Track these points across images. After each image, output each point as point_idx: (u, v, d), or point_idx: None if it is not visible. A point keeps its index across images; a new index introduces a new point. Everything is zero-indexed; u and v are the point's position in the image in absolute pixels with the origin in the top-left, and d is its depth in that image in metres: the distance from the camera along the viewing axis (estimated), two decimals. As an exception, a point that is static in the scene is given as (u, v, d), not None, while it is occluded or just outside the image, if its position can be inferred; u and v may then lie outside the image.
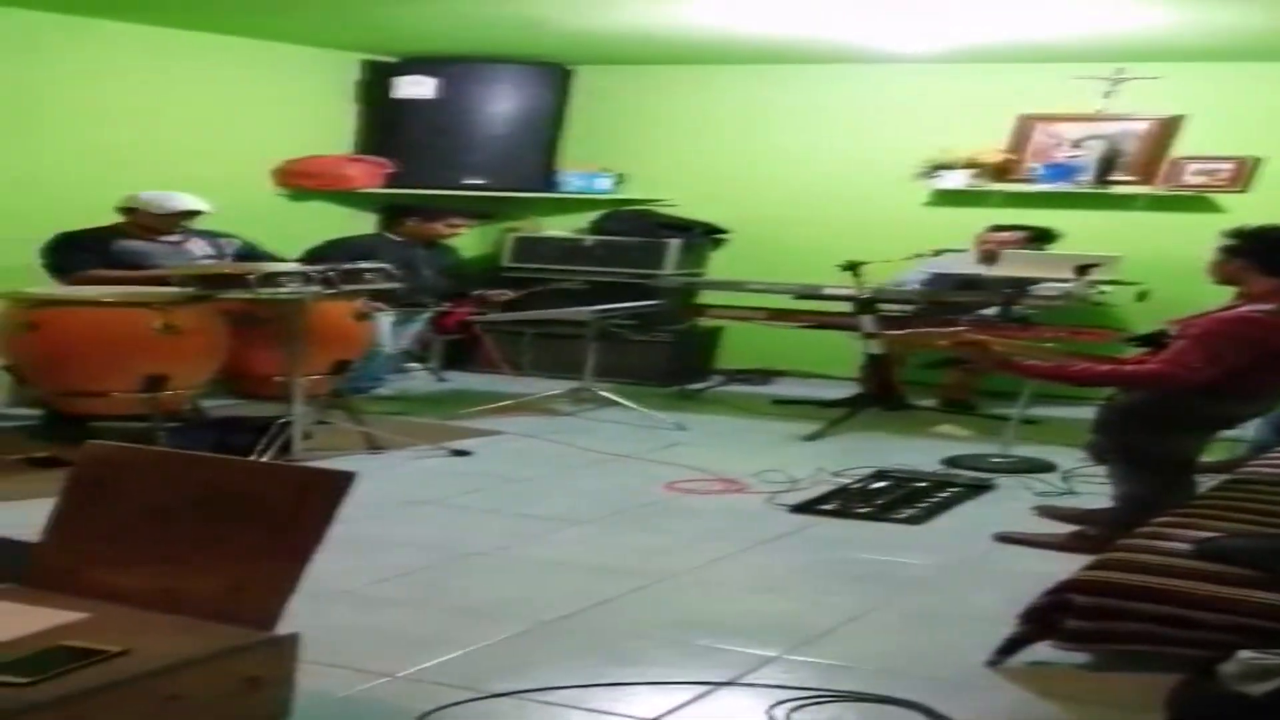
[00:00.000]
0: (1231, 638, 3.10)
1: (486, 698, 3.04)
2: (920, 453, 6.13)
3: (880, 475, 5.61)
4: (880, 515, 5.04)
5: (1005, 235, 7.66)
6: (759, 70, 8.51)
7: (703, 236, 8.68)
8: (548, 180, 8.93)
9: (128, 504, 3.05)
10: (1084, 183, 7.98)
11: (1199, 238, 5.17)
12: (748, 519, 4.96)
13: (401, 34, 7.79)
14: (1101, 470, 4.88)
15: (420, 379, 7.96)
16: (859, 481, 5.53)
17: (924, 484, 5.49)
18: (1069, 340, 6.52)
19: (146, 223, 6.55)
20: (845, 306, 7.02)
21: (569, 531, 4.75)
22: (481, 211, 8.59)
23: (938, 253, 7.35)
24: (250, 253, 6.79)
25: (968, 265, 7.45)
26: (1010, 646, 3.39)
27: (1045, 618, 3.40)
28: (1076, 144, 8.09)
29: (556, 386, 7.23)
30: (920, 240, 7.31)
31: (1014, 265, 7.43)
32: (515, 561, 4.34)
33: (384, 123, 8.68)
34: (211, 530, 2.93)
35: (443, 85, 8.58)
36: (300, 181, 8.34)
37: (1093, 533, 4.50)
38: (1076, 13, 6.47)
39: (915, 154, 8.19)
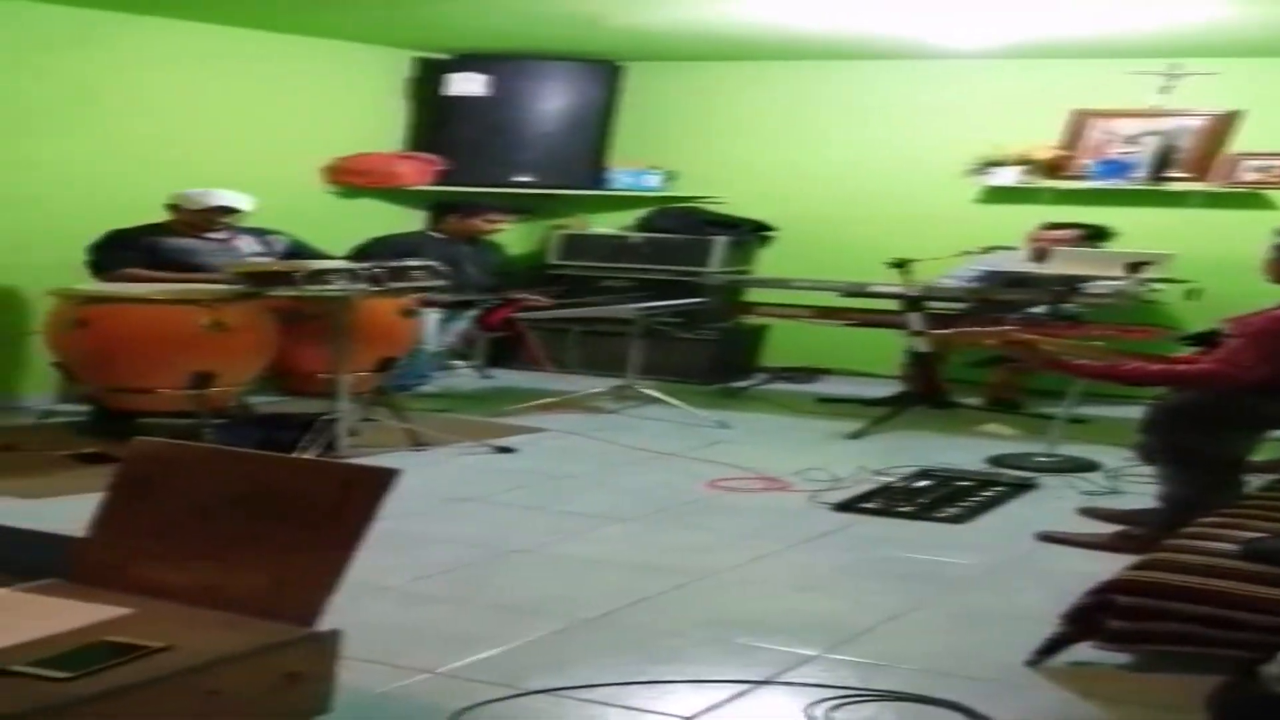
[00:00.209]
0: (1274, 639, 3.08)
1: (523, 694, 3.06)
2: (964, 451, 6.10)
3: (924, 474, 5.59)
4: (923, 514, 5.02)
5: (1059, 233, 7.60)
6: (810, 66, 8.49)
7: (750, 234, 8.67)
8: (596, 177, 8.93)
9: (173, 500, 3.07)
10: (1137, 179, 7.91)
11: (1253, 235, 5.10)
12: (789, 517, 4.95)
13: (454, 31, 7.81)
14: (1147, 470, 4.84)
15: (465, 376, 7.99)
16: (902, 480, 5.51)
17: (968, 483, 5.47)
18: (1118, 339, 6.46)
19: (188, 219, 6.61)
20: (892, 304, 7.00)
21: (610, 529, 4.76)
22: (521, 207, 8.61)
23: (986, 250, 7.30)
24: (298, 250, 6.83)
25: (1019, 263, 7.39)
26: (1052, 646, 3.38)
27: (1087, 618, 3.38)
28: (1131, 140, 8.01)
29: (600, 384, 7.24)
30: (970, 237, 7.28)
31: (1064, 263, 7.36)
32: (556, 559, 4.35)
33: (435, 120, 8.71)
34: (255, 526, 2.95)
35: (494, 82, 8.59)
36: (350, 179, 8.38)
37: (1137, 533, 4.46)
38: (1133, 7, 6.41)
39: (966, 150, 8.14)
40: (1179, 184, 7.84)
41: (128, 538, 3.05)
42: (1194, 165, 7.84)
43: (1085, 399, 6.05)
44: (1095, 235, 7.71)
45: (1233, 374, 4.39)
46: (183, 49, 7.48)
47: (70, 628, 2.66)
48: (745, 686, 3.20)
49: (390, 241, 7.60)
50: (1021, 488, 5.44)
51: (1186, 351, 5.05)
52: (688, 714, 3.03)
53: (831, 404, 7.42)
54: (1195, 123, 7.87)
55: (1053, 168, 8.07)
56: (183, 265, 6.48)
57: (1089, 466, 5.77)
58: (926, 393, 6.97)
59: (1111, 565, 3.62)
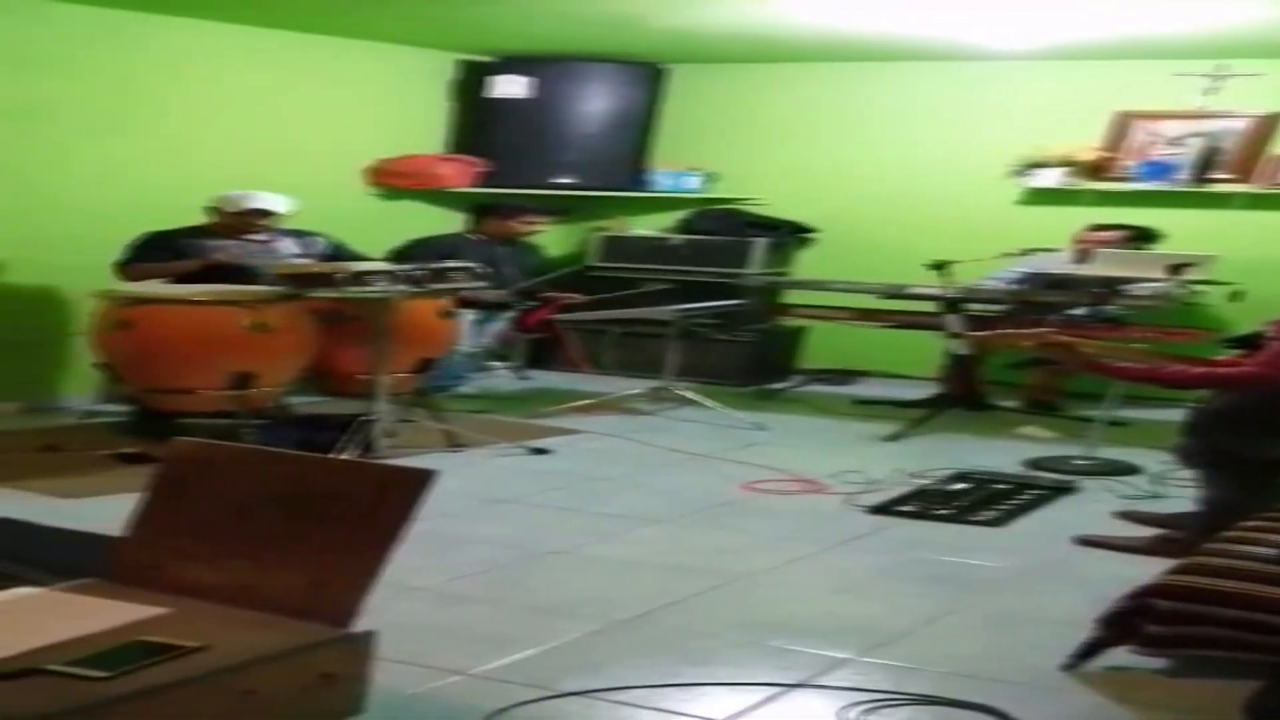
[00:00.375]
0: (1314, 645, 3.06)
1: (556, 696, 3.06)
2: (1002, 454, 6.08)
3: (960, 477, 5.58)
4: (959, 517, 5.00)
5: (1104, 234, 7.56)
6: (852, 68, 8.49)
7: (790, 235, 8.66)
8: (637, 179, 8.95)
9: (211, 500, 3.09)
10: (1181, 181, 7.86)
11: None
12: (825, 520, 4.95)
13: (498, 33, 7.84)
14: (1187, 474, 4.81)
15: (502, 377, 8.02)
16: (939, 483, 5.49)
17: (1005, 486, 5.45)
18: (1160, 341, 6.43)
19: (228, 221, 6.65)
20: (931, 306, 6.98)
21: (646, 530, 4.76)
22: (559, 209, 8.63)
23: (1027, 252, 7.27)
24: (338, 252, 6.87)
25: (1061, 264, 7.36)
26: (1088, 650, 3.36)
27: (1124, 622, 3.36)
28: (1175, 142, 7.97)
29: (637, 386, 7.25)
30: (1012, 239, 7.26)
31: (1106, 265, 7.32)
32: (591, 560, 4.36)
33: (477, 122, 8.74)
34: (293, 527, 2.96)
35: (537, 84, 8.62)
36: (392, 181, 8.42)
37: (1176, 537, 4.43)
38: (1178, 8, 6.37)
39: (1008, 152, 8.12)
40: (1222, 185, 7.79)
41: (166, 537, 3.07)
42: (1238, 167, 7.78)
43: (1125, 402, 6.01)
44: (1141, 237, 7.66)
45: (1275, 377, 4.36)
46: (227, 51, 7.54)
47: (107, 627, 2.68)
48: (779, 689, 3.19)
49: (428, 243, 7.63)
50: (1059, 491, 5.42)
51: (1229, 354, 5.01)
52: (721, 717, 3.03)
53: (868, 406, 7.41)
54: (1240, 124, 7.81)
55: (1095, 169, 8.03)
56: (223, 267, 6.51)
57: (1128, 470, 5.74)
58: (964, 395, 6.95)
59: (1150, 569, 3.60)
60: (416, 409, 6.11)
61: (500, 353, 8.14)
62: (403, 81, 8.47)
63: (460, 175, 8.52)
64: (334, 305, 5.95)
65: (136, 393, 6.03)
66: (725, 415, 6.78)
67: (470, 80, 8.76)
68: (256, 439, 5.30)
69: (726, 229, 8.62)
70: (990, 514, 5.03)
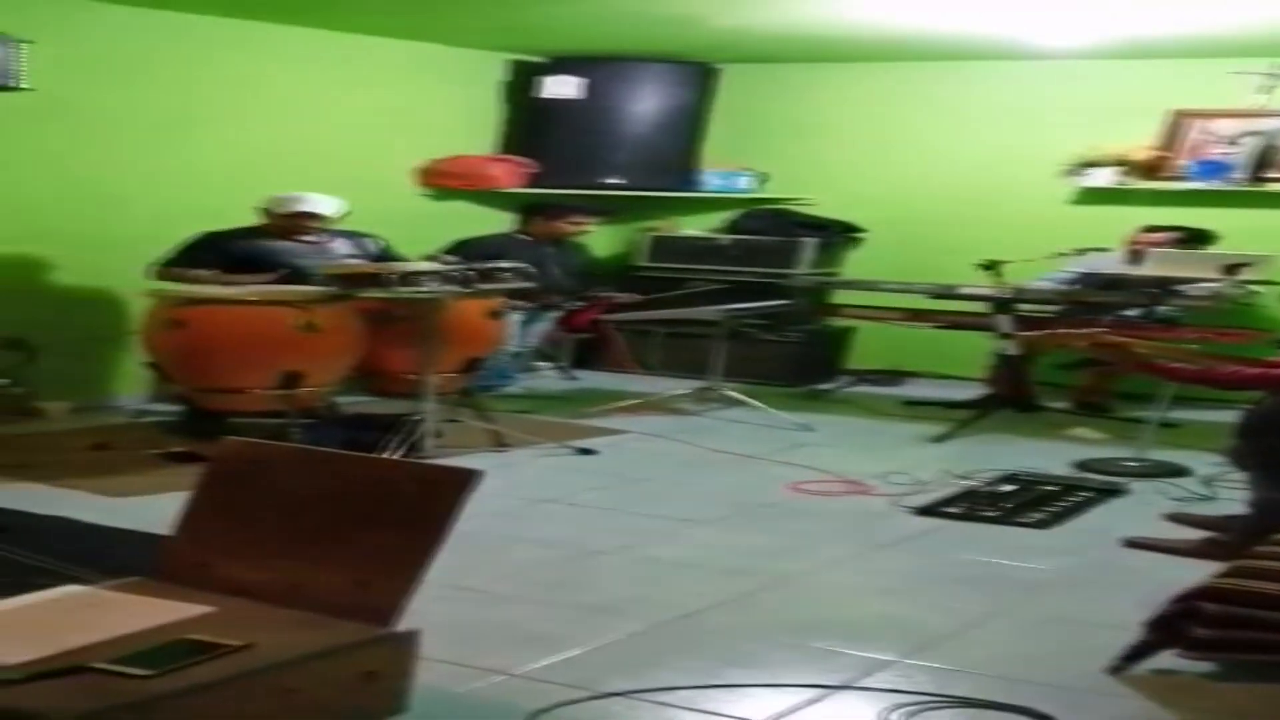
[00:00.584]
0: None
1: (599, 697, 3.06)
2: (1051, 456, 6.03)
3: (1009, 478, 5.54)
4: (1007, 519, 4.96)
5: (1158, 235, 7.49)
6: (904, 68, 8.47)
7: (839, 235, 8.64)
8: (687, 179, 8.95)
9: (258, 499, 3.12)
10: (1236, 180, 7.78)
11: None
12: (870, 521, 4.93)
13: (550, 34, 7.85)
14: (1237, 476, 4.76)
15: (548, 377, 8.04)
16: (986, 484, 5.45)
17: (1053, 487, 5.41)
18: (1213, 342, 6.37)
19: (278, 223, 6.70)
20: (981, 307, 6.94)
21: (690, 531, 4.75)
22: (606, 209, 8.64)
23: (1080, 252, 7.22)
24: (389, 254, 6.90)
25: (1115, 265, 7.30)
26: (1134, 654, 3.33)
27: (1172, 625, 3.32)
28: (1230, 140, 7.89)
29: (684, 386, 7.25)
30: (1064, 239, 7.20)
31: (1160, 265, 7.27)
32: (636, 561, 4.36)
33: (528, 122, 8.76)
34: (339, 526, 2.98)
35: (588, 84, 8.64)
36: (444, 182, 8.45)
37: (1226, 539, 4.38)
38: (1234, 6, 6.30)
39: (1061, 151, 8.08)
40: (1278, 185, 7.69)
41: (212, 536, 3.10)
42: (1294, 166, 7.70)
43: (1176, 403, 5.96)
44: (1196, 238, 7.59)
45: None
46: (280, 53, 7.58)
47: (152, 625, 2.71)
48: (822, 691, 3.18)
49: (476, 243, 7.64)
50: (1108, 493, 5.37)
51: (1285, 355, 4.96)
52: (763, 718, 3.02)
53: (916, 407, 7.37)
54: (1298, 122, 7.73)
55: (1150, 169, 7.97)
56: (275, 268, 6.56)
57: (1178, 472, 5.69)
58: (1013, 396, 6.90)
59: (1199, 572, 3.57)
60: (462, 409, 6.13)
61: (547, 353, 8.16)
62: (455, 82, 8.49)
63: (510, 176, 8.54)
64: (383, 305, 5.97)
65: (186, 392, 6.07)
66: (772, 416, 6.76)
67: (521, 81, 8.78)
68: (303, 438, 5.33)
69: (775, 229, 8.61)
70: (1038, 516, 5.00)
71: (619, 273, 8.67)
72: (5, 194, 6.59)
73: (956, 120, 8.46)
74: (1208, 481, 5.45)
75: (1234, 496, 4.90)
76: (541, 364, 8.12)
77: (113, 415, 6.61)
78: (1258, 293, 7.19)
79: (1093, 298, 7.01)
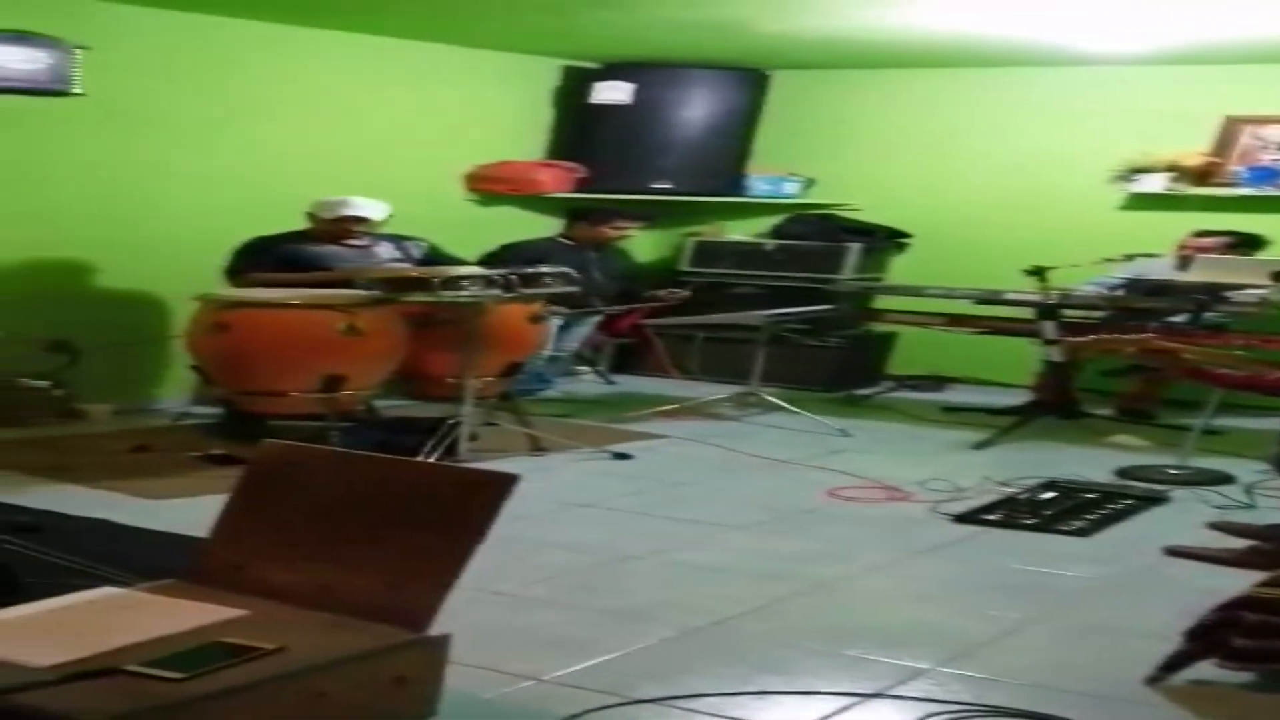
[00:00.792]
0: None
1: (629, 703, 3.05)
2: (1093, 463, 5.98)
3: (1049, 485, 5.49)
4: (1047, 526, 4.92)
5: (1208, 240, 7.42)
6: (953, 74, 8.45)
7: (885, 241, 8.62)
8: (734, 184, 8.94)
9: (295, 502, 3.13)
10: (1287, 186, 7.72)
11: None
12: (908, 528, 4.90)
13: (602, 39, 7.87)
14: (1282, 484, 4.72)
15: (587, 381, 8.04)
16: (1027, 492, 5.41)
17: (1094, 495, 5.36)
18: (1261, 348, 6.30)
19: (325, 227, 6.73)
20: (1026, 312, 6.90)
21: (726, 537, 4.74)
22: (649, 214, 8.63)
23: (1128, 257, 7.16)
24: (434, 256, 6.92)
25: (1163, 270, 7.24)
26: (1174, 664, 3.29)
27: (1212, 635, 3.29)
28: (1284, 147, 7.84)
29: (723, 391, 7.24)
30: (1114, 245, 7.15)
31: (1208, 271, 7.19)
32: (669, 566, 4.35)
33: (578, 127, 8.78)
34: (374, 529, 2.99)
35: (639, 90, 8.65)
36: (491, 186, 8.47)
37: (1269, 548, 4.34)
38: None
39: (1111, 157, 8.04)
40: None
41: (249, 539, 3.11)
42: (1347, 171, 7.62)
43: (1222, 410, 5.90)
44: (1247, 244, 7.51)
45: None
46: (331, 58, 7.63)
47: (186, 628, 2.72)
48: (854, 699, 3.16)
49: (519, 248, 7.67)
50: (1150, 501, 5.32)
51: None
52: (793, 726, 3.01)
53: (957, 413, 7.32)
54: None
55: (1201, 174, 7.91)
56: (322, 271, 6.59)
57: (1222, 480, 5.62)
58: (1057, 402, 6.85)
59: (1240, 581, 3.52)
60: (501, 413, 6.14)
61: (587, 357, 8.16)
62: (506, 88, 8.52)
63: (558, 180, 8.55)
64: (425, 309, 5.99)
65: (228, 395, 6.11)
66: (811, 421, 6.74)
67: (573, 86, 8.80)
68: (342, 442, 5.36)
69: (820, 234, 8.59)
70: (1078, 523, 4.95)
71: (662, 278, 8.67)
72: (53, 198, 6.66)
73: (1006, 126, 8.43)
74: (1250, 490, 5.39)
75: (1277, 505, 4.85)
76: (580, 368, 8.12)
77: (154, 418, 6.66)
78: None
79: (1139, 303, 6.95)
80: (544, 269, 6.15)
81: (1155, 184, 7.97)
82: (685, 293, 8.06)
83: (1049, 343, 6.70)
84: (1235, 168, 7.88)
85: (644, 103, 8.66)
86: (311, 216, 6.76)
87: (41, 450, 5.79)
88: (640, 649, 3.48)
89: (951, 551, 4.61)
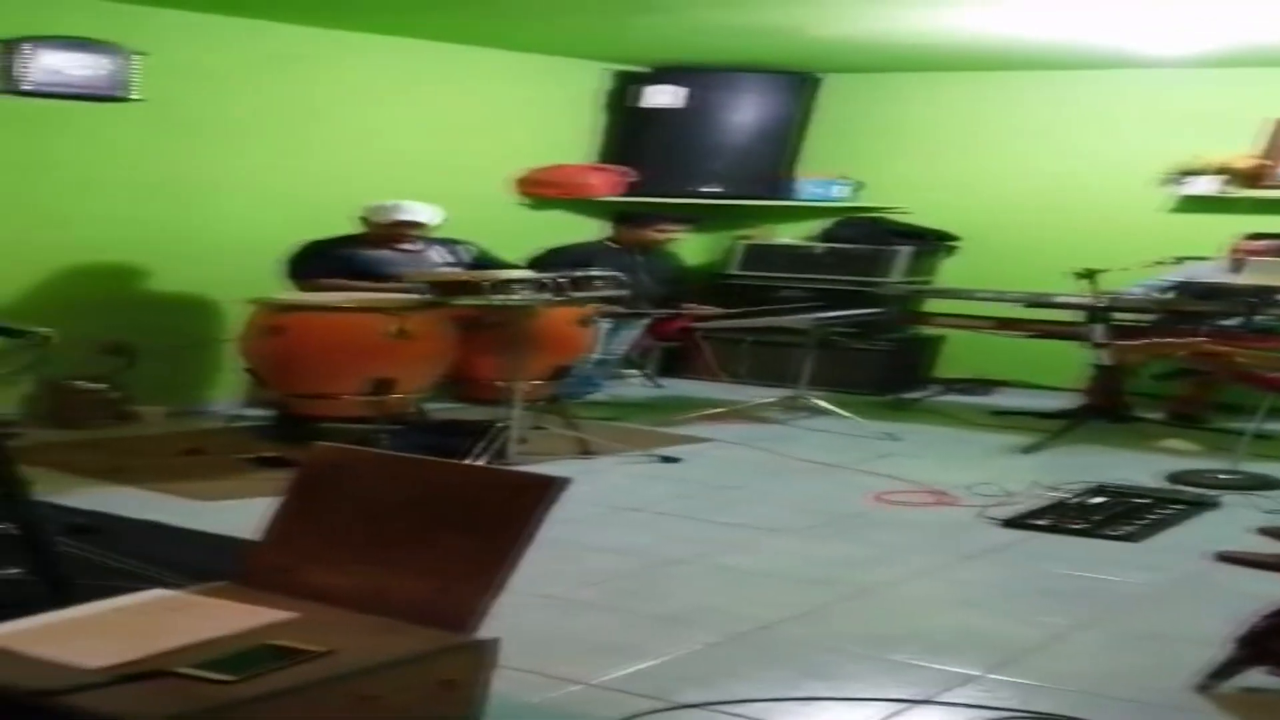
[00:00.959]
0: None
1: (673, 708, 3.06)
2: (1143, 467, 5.95)
3: (1099, 490, 5.47)
4: (1096, 531, 4.90)
5: (1260, 243, 7.36)
6: (1004, 77, 8.42)
7: (934, 244, 8.59)
8: (783, 188, 8.93)
9: (345, 505, 3.14)
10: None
11: None
12: (956, 532, 4.89)
13: (653, 44, 7.87)
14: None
15: (635, 385, 8.05)
16: (1076, 496, 5.39)
17: (1144, 500, 5.33)
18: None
19: (378, 232, 6.78)
20: (1076, 316, 6.86)
21: (772, 541, 4.74)
22: (693, 217, 8.64)
23: (1178, 260, 7.11)
24: (483, 260, 6.95)
25: (1214, 274, 7.18)
26: (1223, 671, 3.27)
27: (1262, 642, 3.26)
28: (1335, 149, 7.76)
29: (770, 394, 7.24)
30: (1164, 248, 7.12)
31: (1259, 274, 7.13)
32: (716, 570, 4.36)
33: (628, 131, 8.80)
34: (423, 532, 3.00)
35: (689, 94, 8.65)
36: (541, 190, 8.49)
37: (1320, 555, 4.30)
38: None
39: (1161, 160, 7.98)
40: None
41: (298, 541, 3.13)
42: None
43: (1273, 414, 5.85)
44: None
45: None
46: (384, 63, 7.67)
47: (235, 630, 2.74)
48: (901, 706, 3.16)
49: (566, 251, 7.69)
50: (1201, 506, 5.29)
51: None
52: (839, 732, 3.01)
53: (1006, 417, 7.29)
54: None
55: (1252, 177, 7.83)
56: (376, 275, 6.64)
57: (1273, 484, 5.58)
58: (1107, 406, 6.80)
59: (1292, 588, 3.50)
60: (549, 416, 6.16)
61: (634, 360, 8.17)
62: (556, 92, 8.55)
63: (607, 184, 8.57)
64: (474, 312, 6.01)
65: (280, 397, 6.15)
66: (858, 425, 6.73)
67: (623, 90, 8.82)
68: (391, 444, 5.39)
69: (869, 237, 8.58)
70: (1127, 528, 4.93)
71: (709, 281, 8.67)
72: (111, 202, 6.73)
73: (1055, 128, 8.39)
74: (1303, 495, 5.35)
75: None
76: (628, 371, 8.13)
77: (206, 420, 6.73)
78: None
79: (1190, 306, 6.89)
80: (594, 272, 6.16)
81: (1205, 186, 7.91)
82: (717, 310, 8.04)
83: (1099, 346, 6.66)
84: (1286, 169, 7.81)
85: (695, 106, 8.66)
86: (365, 221, 6.80)
87: (96, 452, 5.86)
88: (686, 654, 3.49)
89: (999, 557, 4.60)
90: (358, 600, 2.93)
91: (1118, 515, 5.10)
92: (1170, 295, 7.13)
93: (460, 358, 6.14)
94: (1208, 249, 7.35)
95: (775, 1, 6.30)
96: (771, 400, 7.18)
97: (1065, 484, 5.54)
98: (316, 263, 6.62)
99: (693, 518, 5.05)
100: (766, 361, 8.08)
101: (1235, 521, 5.05)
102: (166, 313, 6.95)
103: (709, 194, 8.75)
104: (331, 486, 3.19)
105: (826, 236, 8.80)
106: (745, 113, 8.78)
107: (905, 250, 8.42)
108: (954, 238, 8.60)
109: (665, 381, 8.25)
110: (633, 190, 8.59)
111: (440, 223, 6.87)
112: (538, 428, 6.03)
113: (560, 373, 6.34)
